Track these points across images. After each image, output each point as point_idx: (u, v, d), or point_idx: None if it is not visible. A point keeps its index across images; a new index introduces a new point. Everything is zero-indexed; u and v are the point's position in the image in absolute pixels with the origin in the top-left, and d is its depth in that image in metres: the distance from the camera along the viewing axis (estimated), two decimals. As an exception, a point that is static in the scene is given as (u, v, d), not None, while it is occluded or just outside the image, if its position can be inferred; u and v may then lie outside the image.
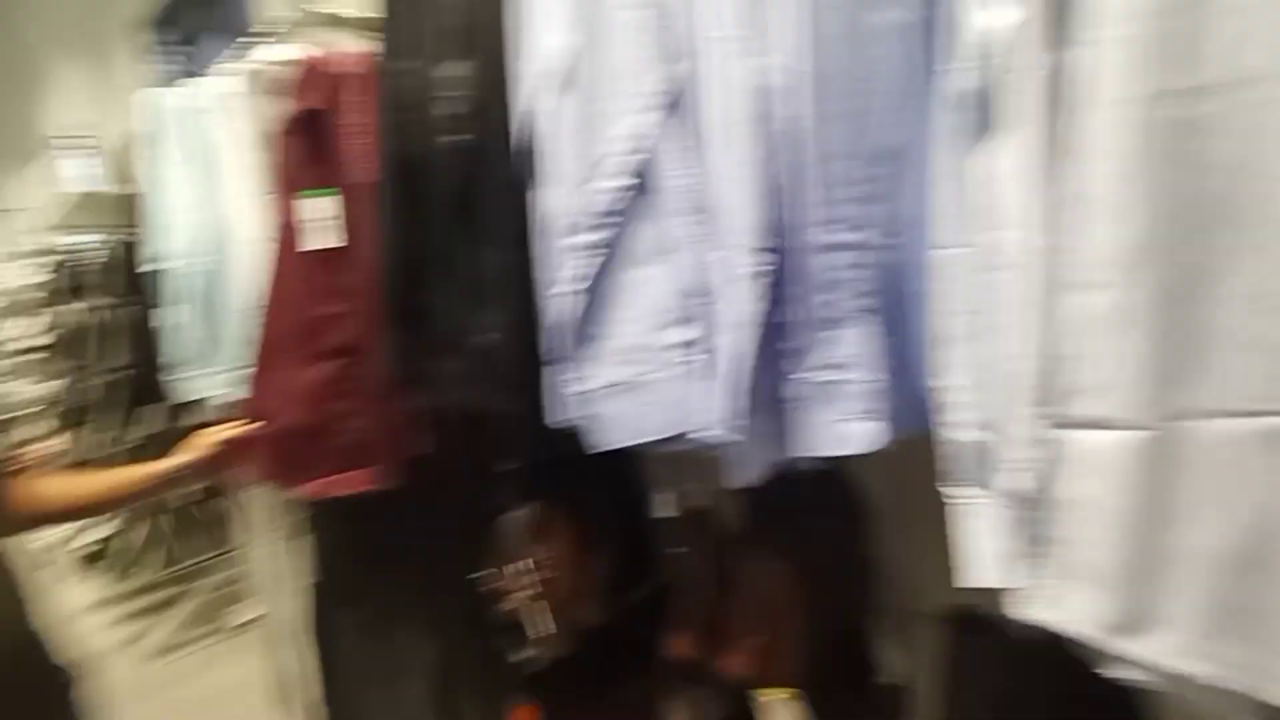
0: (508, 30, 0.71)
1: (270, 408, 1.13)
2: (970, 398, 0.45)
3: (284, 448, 1.08)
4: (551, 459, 1.08)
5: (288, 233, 1.08)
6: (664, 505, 1.39)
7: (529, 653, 1.03)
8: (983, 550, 0.45)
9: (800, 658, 0.75)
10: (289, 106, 1.03)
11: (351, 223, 1.04)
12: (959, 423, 0.46)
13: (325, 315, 1.08)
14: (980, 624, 0.66)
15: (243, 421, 1.09)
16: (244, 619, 3.07)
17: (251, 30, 1.44)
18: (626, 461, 1.34)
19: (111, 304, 1.93)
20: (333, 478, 1.06)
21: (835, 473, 0.86)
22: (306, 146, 1.03)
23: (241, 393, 1.22)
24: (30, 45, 4.78)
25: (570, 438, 0.90)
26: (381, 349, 0.90)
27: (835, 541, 0.83)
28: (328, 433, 1.08)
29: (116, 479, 1.07)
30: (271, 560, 1.85)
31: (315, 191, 1.03)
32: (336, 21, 1.10)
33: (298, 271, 1.09)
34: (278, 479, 1.15)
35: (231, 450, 1.08)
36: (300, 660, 1.73)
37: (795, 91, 0.49)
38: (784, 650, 0.75)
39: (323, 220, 1.03)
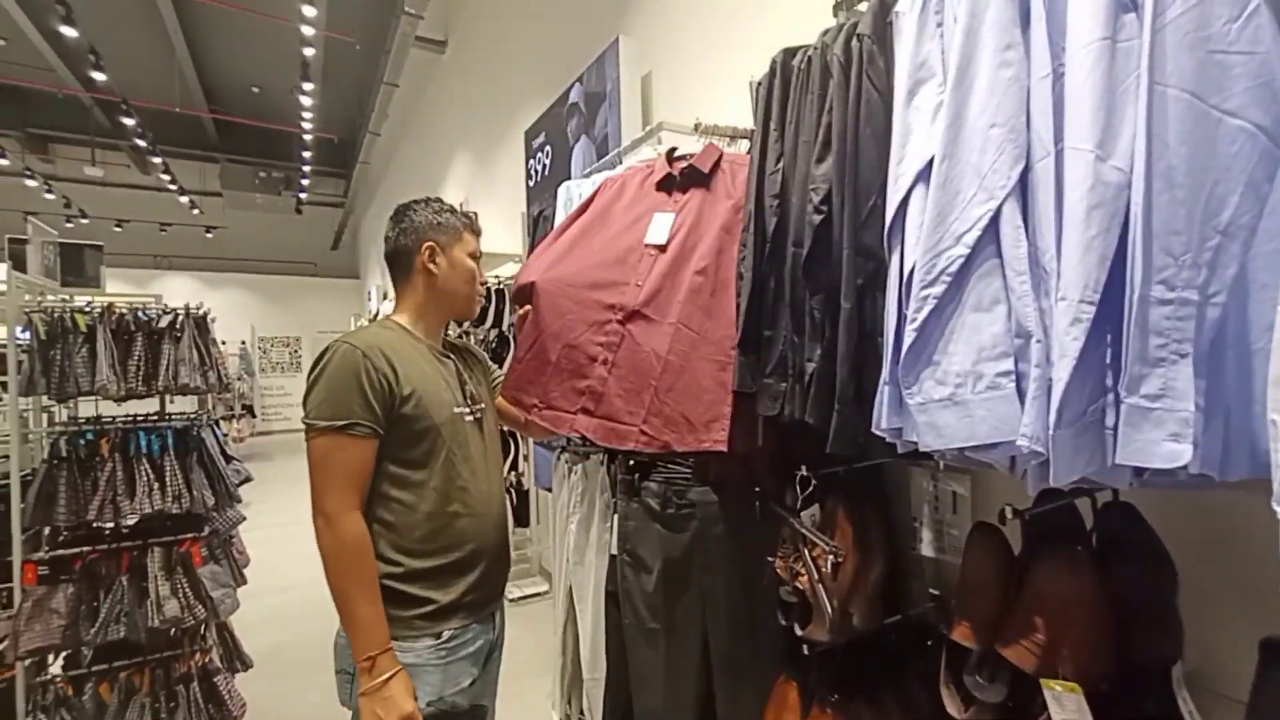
0: (852, 142, 0.98)
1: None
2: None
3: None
4: (839, 474, 1.29)
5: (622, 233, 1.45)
6: (928, 544, 1.49)
7: (806, 632, 1.22)
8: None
9: (1084, 665, 0.84)
10: (674, 164, 1.43)
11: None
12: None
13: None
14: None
15: None
16: (524, 594, 3.69)
17: (621, 136, 1.96)
18: (894, 496, 1.49)
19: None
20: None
21: (1138, 523, 0.94)
22: (679, 192, 1.42)
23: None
24: (437, 140, 6.56)
25: (866, 454, 1.09)
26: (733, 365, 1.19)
27: (1134, 581, 0.90)
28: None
29: None
30: (562, 539, 2.26)
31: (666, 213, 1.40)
32: (706, 129, 1.49)
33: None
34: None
35: None
36: (581, 626, 2.10)
37: (1127, 187, 0.66)
38: (1067, 652, 0.84)
39: (662, 227, 1.39)
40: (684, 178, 1.41)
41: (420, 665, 1.12)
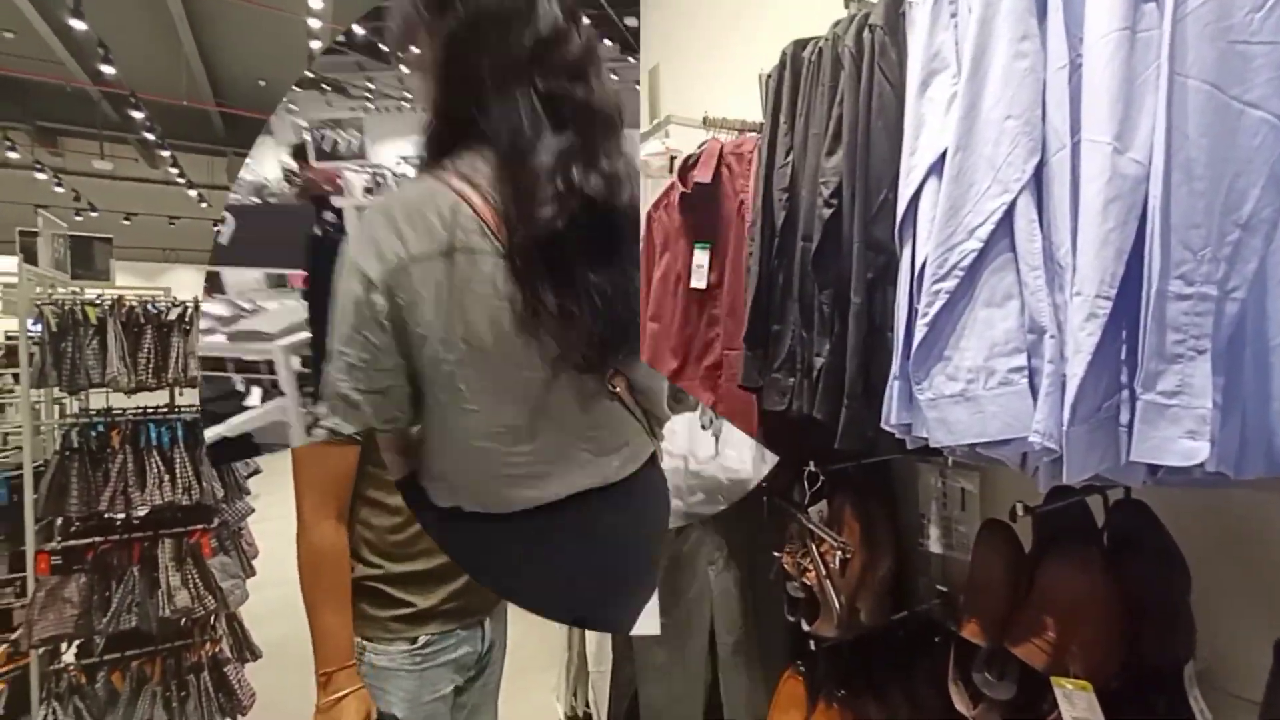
0: (863, 135, 0.97)
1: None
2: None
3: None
4: (847, 470, 1.28)
5: (679, 276, 1.45)
6: (935, 541, 1.49)
7: (814, 627, 1.22)
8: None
9: (1095, 663, 0.83)
10: (688, 181, 1.42)
11: (720, 267, 1.38)
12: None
13: (708, 338, 1.42)
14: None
15: None
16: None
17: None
18: (902, 492, 1.48)
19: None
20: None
21: (1150, 521, 0.93)
22: (699, 210, 1.41)
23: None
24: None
25: (874, 449, 1.08)
26: (739, 362, 1.19)
27: (1146, 579, 0.89)
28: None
29: None
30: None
31: (702, 244, 1.39)
32: (715, 122, 1.48)
33: (686, 304, 1.45)
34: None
35: None
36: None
37: (1145, 180, 0.65)
38: (1077, 650, 0.84)
39: (701, 266, 1.39)
40: (696, 195, 1.41)
41: (394, 670, 1.10)
